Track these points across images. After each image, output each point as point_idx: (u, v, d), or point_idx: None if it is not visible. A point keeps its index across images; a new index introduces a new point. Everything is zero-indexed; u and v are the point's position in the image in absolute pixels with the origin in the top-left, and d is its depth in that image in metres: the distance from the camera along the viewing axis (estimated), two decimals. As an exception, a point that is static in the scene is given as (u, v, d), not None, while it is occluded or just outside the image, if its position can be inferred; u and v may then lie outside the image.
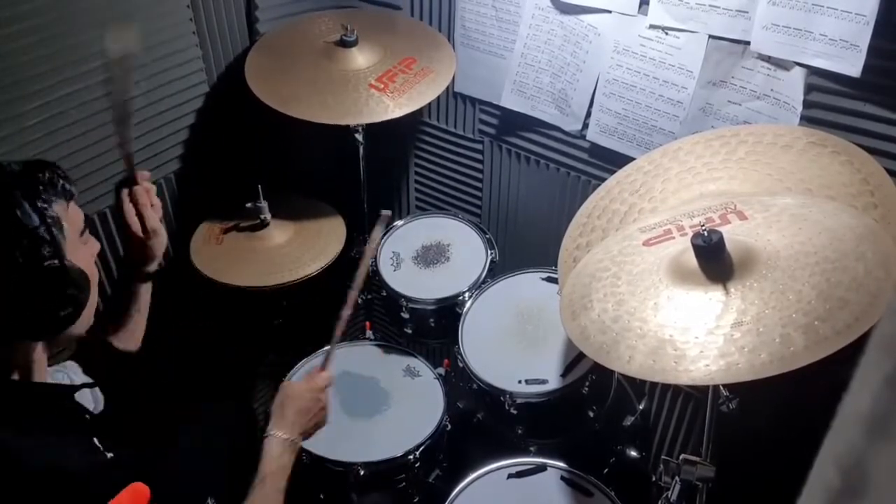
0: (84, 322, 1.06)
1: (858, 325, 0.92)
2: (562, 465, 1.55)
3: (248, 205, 1.81)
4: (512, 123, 1.91)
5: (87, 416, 1.16)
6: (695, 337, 1.02)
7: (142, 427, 1.41)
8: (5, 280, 0.95)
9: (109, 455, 1.04)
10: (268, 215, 1.83)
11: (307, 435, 1.32)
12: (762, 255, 1.07)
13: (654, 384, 1.89)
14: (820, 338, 0.93)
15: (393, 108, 1.65)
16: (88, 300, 1.05)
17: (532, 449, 1.63)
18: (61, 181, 1.05)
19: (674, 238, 1.20)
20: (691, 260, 1.10)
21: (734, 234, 1.11)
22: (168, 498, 1.06)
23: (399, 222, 2.03)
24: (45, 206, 0.99)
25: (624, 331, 1.10)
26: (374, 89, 1.67)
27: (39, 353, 1.07)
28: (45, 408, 1.07)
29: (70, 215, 1.05)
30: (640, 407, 1.82)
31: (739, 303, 1.03)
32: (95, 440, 1.05)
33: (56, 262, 0.98)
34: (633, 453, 1.77)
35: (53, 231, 0.99)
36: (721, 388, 1.25)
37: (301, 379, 1.41)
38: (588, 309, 1.18)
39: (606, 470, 1.69)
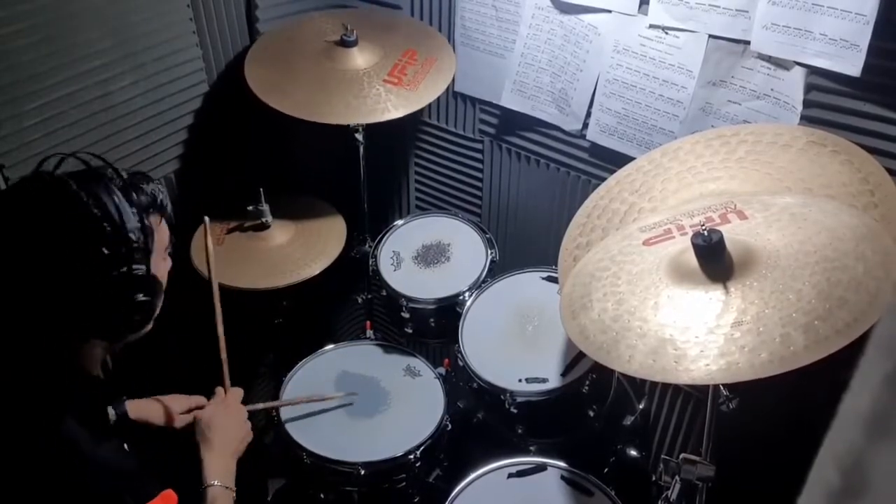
0: (145, 329, 1.11)
1: (858, 324, 0.92)
2: (562, 464, 1.55)
3: (250, 208, 1.82)
4: (512, 123, 1.91)
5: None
6: (695, 336, 1.02)
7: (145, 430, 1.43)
8: (92, 276, 0.99)
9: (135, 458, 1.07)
10: (269, 218, 1.83)
11: (240, 454, 1.36)
12: (762, 254, 1.07)
13: (654, 384, 1.89)
14: (820, 337, 0.93)
15: (409, 101, 1.66)
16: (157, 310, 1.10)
17: (532, 448, 1.63)
18: (161, 196, 1.10)
19: (674, 238, 1.20)
20: (691, 259, 1.11)
21: (734, 234, 1.11)
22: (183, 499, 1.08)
23: (399, 222, 2.03)
24: (144, 214, 1.05)
25: (624, 330, 1.10)
26: (390, 84, 1.68)
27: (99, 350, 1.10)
28: (99, 406, 1.10)
29: (161, 229, 1.10)
30: (640, 406, 1.82)
31: (739, 302, 1.03)
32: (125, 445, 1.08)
33: (143, 268, 1.03)
34: (633, 453, 1.77)
35: (147, 239, 1.04)
36: (721, 387, 1.25)
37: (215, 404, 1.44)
38: (588, 308, 1.18)
39: (606, 469, 1.69)
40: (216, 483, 1.25)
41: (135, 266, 1.02)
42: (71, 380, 1.04)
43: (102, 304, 1.01)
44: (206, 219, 1.56)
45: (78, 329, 1.03)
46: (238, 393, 1.46)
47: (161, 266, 1.11)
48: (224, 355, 1.48)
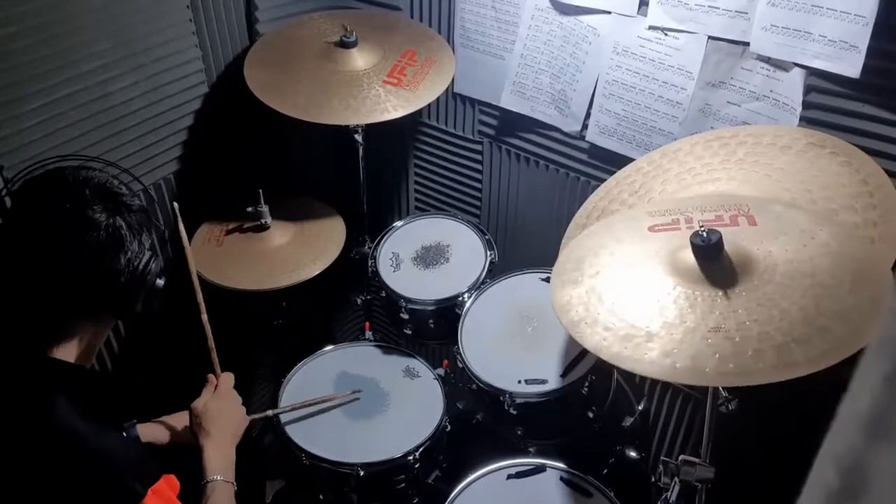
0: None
1: (831, 355, 0.91)
2: (561, 465, 1.55)
3: (249, 209, 1.81)
4: (511, 124, 1.91)
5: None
6: (671, 333, 1.02)
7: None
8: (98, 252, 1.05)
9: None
10: (268, 219, 1.83)
11: (238, 438, 1.36)
12: (760, 265, 1.07)
13: (653, 385, 1.89)
14: (790, 361, 0.93)
15: (409, 102, 1.66)
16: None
17: (531, 449, 1.63)
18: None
19: (680, 229, 1.19)
20: (689, 256, 1.11)
21: (739, 239, 1.11)
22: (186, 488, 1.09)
23: (398, 223, 2.03)
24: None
25: (607, 312, 1.10)
26: (390, 85, 1.68)
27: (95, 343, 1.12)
28: (98, 395, 1.11)
29: None
30: (640, 407, 1.82)
31: (724, 308, 1.03)
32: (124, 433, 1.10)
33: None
34: (633, 454, 1.77)
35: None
36: (720, 388, 1.25)
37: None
38: (577, 283, 1.18)
39: (606, 471, 1.69)
40: (217, 478, 1.25)
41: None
42: (53, 367, 1.04)
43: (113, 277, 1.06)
44: (175, 205, 1.51)
45: (80, 310, 1.06)
46: (229, 378, 1.44)
47: None
48: (211, 342, 1.45)
